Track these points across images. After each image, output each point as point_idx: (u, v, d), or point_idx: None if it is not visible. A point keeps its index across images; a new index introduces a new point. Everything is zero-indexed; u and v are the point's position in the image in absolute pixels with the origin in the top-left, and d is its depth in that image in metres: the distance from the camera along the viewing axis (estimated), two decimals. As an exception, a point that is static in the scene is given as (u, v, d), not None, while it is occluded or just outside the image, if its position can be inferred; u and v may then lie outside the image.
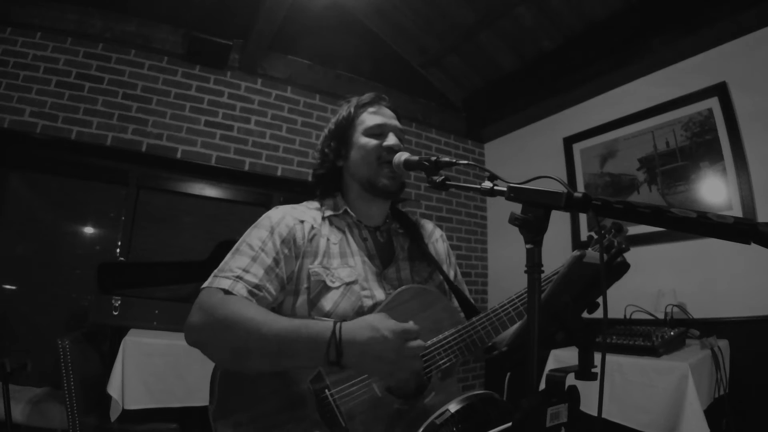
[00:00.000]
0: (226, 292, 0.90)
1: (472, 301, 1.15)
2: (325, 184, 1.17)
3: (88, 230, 2.80)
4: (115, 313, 2.18)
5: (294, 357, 0.85)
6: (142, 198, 2.79)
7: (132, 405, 1.83)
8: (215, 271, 0.96)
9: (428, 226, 1.28)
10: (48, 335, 2.19)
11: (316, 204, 1.14)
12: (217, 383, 0.91)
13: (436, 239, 1.26)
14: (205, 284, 0.93)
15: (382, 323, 0.85)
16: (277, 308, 1.01)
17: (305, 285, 1.00)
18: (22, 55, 2.41)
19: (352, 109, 1.14)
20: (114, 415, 1.80)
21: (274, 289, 0.97)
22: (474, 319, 1.00)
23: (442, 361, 0.97)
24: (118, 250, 2.67)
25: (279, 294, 0.99)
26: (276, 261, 0.98)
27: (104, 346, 2.31)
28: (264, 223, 1.03)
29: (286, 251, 1.00)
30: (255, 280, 0.93)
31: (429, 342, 0.98)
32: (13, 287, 2.48)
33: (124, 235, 2.70)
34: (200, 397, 1.93)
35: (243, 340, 0.84)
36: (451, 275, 1.24)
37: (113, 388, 1.80)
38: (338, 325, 0.84)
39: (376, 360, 0.82)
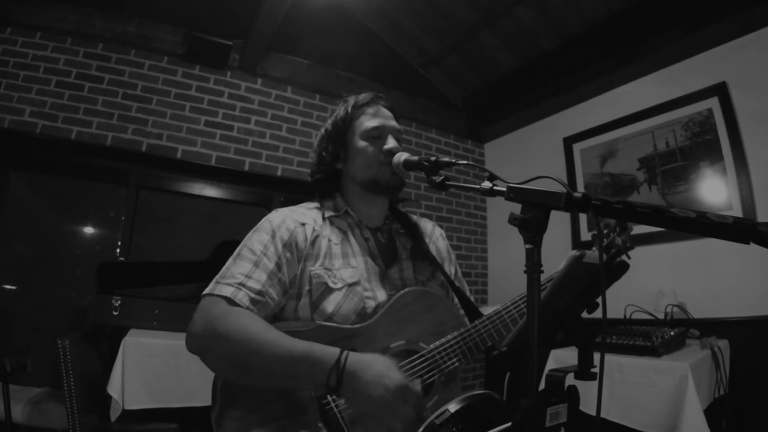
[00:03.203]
0: (229, 300, 0.89)
1: (472, 300, 1.15)
2: (324, 186, 1.15)
3: (88, 230, 2.80)
4: (115, 313, 2.17)
5: (294, 379, 0.85)
6: (142, 198, 2.79)
7: (132, 405, 1.83)
8: (217, 276, 0.95)
9: (428, 225, 1.28)
10: (48, 335, 2.19)
11: (315, 205, 1.13)
12: (219, 389, 0.90)
13: (437, 238, 1.26)
14: (207, 290, 0.92)
15: (390, 371, 0.83)
16: (278, 312, 1.00)
17: (307, 287, 0.99)
18: (22, 55, 2.41)
19: (350, 110, 1.12)
20: (114, 415, 1.80)
21: (277, 294, 0.96)
22: (477, 322, 1.00)
23: (446, 364, 0.97)
24: (118, 250, 2.67)
25: (281, 299, 0.98)
26: (278, 266, 0.97)
27: (104, 346, 2.31)
28: (265, 227, 1.02)
29: (288, 255, 0.99)
30: (257, 287, 0.92)
31: (432, 345, 0.98)
32: (13, 287, 2.48)
33: (124, 235, 2.69)
34: (200, 397, 1.93)
35: (244, 358, 0.84)
36: (452, 272, 1.24)
37: (113, 388, 1.80)
38: (346, 353, 0.84)
39: (368, 399, 0.81)
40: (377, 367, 0.84)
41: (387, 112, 1.15)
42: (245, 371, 0.86)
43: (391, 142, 1.08)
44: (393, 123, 1.13)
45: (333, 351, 0.84)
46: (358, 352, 0.86)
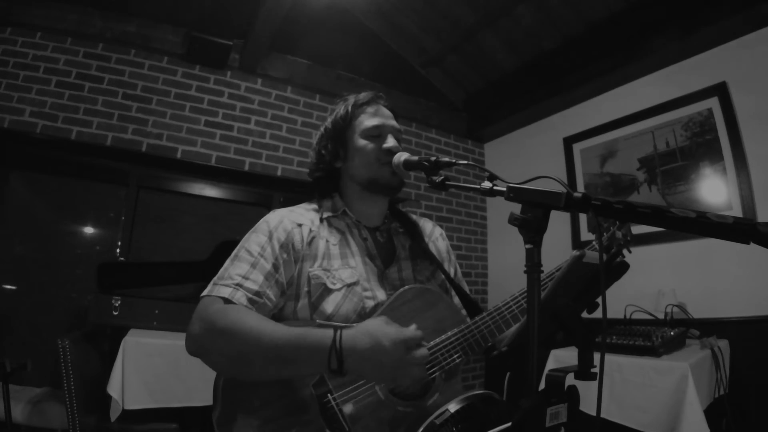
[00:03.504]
0: (226, 300, 0.90)
1: (473, 298, 1.15)
2: (323, 185, 1.16)
3: (88, 230, 2.80)
4: (115, 313, 2.18)
5: (295, 365, 0.85)
6: (142, 198, 2.79)
7: (132, 405, 1.83)
8: (214, 278, 0.95)
9: (428, 225, 1.28)
10: (48, 335, 2.19)
11: (313, 206, 1.13)
12: (220, 390, 0.91)
13: (436, 237, 1.26)
14: (205, 292, 0.93)
15: (383, 330, 0.84)
16: (277, 313, 1.00)
17: (306, 289, 1.00)
18: (22, 55, 2.41)
19: (350, 109, 1.12)
20: (114, 415, 1.80)
21: (274, 295, 0.96)
22: (477, 318, 1.00)
23: (446, 361, 0.97)
24: (118, 250, 2.67)
25: (279, 299, 0.98)
26: (275, 266, 0.97)
27: (104, 346, 2.31)
28: (262, 228, 1.02)
29: (285, 256, 0.99)
30: (255, 287, 0.93)
31: (432, 342, 0.98)
32: (13, 287, 2.48)
33: (124, 235, 2.69)
34: (200, 397, 1.93)
35: (243, 349, 0.84)
36: (452, 273, 1.24)
37: (113, 388, 1.80)
38: (338, 332, 0.83)
39: (377, 367, 0.82)
40: (369, 329, 0.84)
41: (387, 112, 1.15)
42: (247, 364, 0.86)
43: (390, 141, 1.08)
44: (393, 122, 1.14)
45: (327, 333, 0.84)
46: (350, 328, 0.86)
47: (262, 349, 0.83)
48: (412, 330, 0.86)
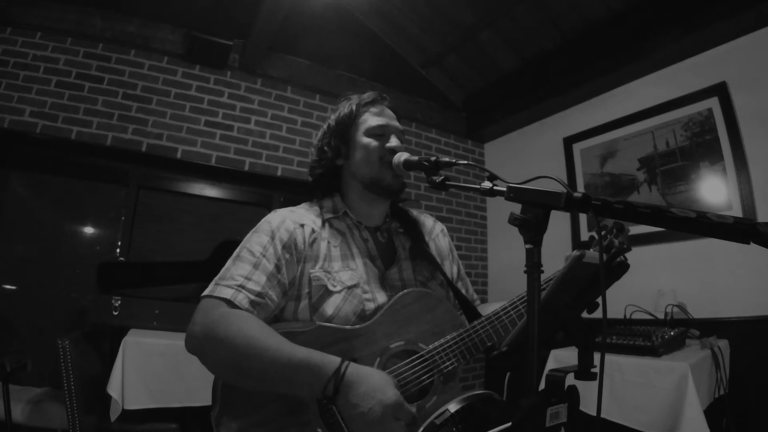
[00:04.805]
0: (228, 302, 0.89)
1: (471, 300, 1.15)
2: (324, 184, 1.15)
3: (88, 230, 2.80)
4: (115, 313, 2.17)
5: (292, 385, 0.84)
6: (142, 198, 2.79)
7: (132, 405, 1.83)
8: (216, 278, 0.95)
9: (428, 221, 1.27)
10: (48, 335, 2.19)
11: (315, 206, 1.13)
12: (219, 389, 0.91)
13: (437, 235, 1.25)
14: (206, 292, 0.93)
15: (386, 387, 0.82)
16: (278, 314, 1.00)
17: (306, 290, 1.00)
18: (22, 55, 2.41)
19: (354, 107, 1.12)
20: (114, 415, 1.80)
21: (276, 296, 0.96)
22: (476, 322, 1.00)
23: (444, 365, 0.97)
24: (118, 250, 2.67)
25: (281, 300, 0.98)
26: (278, 267, 0.97)
27: (104, 346, 2.31)
28: (264, 228, 1.02)
29: (287, 256, 0.99)
30: (257, 288, 0.93)
31: (431, 346, 0.99)
32: (13, 287, 2.48)
33: (124, 235, 2.69)
34: (200, 397, 1.93)
35: (243, 362, 0.84)
36: (454, 270, 1.23)
37: (113, 388, 1.80)
38: (346, 363, 0.83)
39: (359, 414, 0.80)
40: (374, 381, 0.83)
41: (391, 113, 1.15)
42: (243, 375, 0.86)
43: (394, 141, 1.09)
44: (396, 123, 1.14)
45: (334, 360, 0.83)
46: (359, 363, 0.86)
47: (261, 365, 0.83)
48: (409, 407, 0.85)
